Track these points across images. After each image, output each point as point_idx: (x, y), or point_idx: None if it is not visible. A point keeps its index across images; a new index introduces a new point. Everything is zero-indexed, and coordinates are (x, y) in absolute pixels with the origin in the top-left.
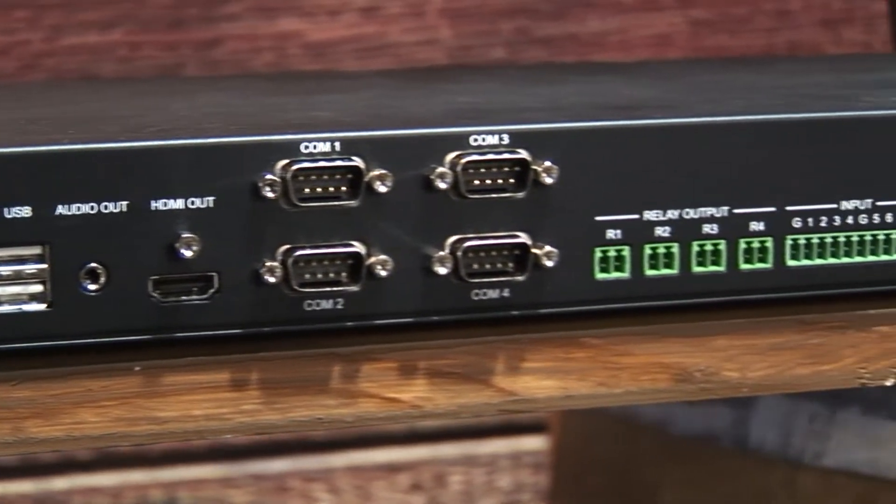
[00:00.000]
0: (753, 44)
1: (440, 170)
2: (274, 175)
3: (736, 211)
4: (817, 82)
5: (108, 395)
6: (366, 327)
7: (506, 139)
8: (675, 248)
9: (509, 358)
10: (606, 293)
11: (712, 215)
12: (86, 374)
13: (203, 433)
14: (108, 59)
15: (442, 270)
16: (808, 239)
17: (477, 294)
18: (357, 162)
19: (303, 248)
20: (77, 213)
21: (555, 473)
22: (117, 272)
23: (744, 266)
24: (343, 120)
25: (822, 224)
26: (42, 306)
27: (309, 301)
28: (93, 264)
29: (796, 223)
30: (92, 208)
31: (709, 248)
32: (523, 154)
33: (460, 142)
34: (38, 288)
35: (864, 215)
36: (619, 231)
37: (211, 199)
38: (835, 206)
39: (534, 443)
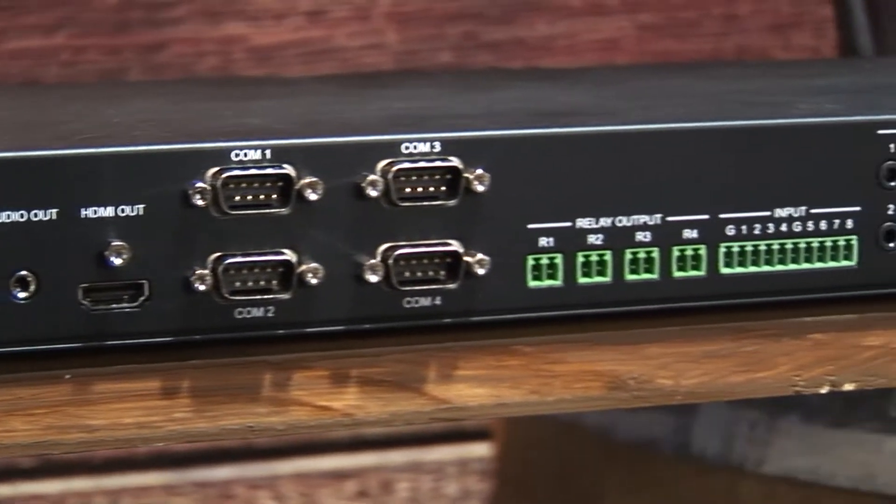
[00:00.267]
0: (702, 48)
1: (371, 177)
2: (204, 183)
3: (669, 219)
4: (757, 88)
5: (39, 403)
6: (297, 335)
7: (437, 147)
8: (608, 256)
9: (441, 366)
10: (539, 301)
11: (645, 223)
12: (16, 383)
13: (134, 441)
14: (51, 64)
15: (373, 278)
16: (741, 247)
17: (409, 302)
18: (288, 170)
19: (233, 255)
20: (6, 220)
21: (498, 480)
22: (47, 280)
23: (677, 274)
24: (275, 127)
25: (756, 232)
26: None
27: (240, 309)
28: (22, 272)
29: (730, 231)
30: (21, 216)
31: (642, 255)
32: (455, 162)
33: (392, 149)
34: None
35: (798, 223)
36: (551, 239)
37: (141, 206)
38: (769, 213)
39: (480, 450)
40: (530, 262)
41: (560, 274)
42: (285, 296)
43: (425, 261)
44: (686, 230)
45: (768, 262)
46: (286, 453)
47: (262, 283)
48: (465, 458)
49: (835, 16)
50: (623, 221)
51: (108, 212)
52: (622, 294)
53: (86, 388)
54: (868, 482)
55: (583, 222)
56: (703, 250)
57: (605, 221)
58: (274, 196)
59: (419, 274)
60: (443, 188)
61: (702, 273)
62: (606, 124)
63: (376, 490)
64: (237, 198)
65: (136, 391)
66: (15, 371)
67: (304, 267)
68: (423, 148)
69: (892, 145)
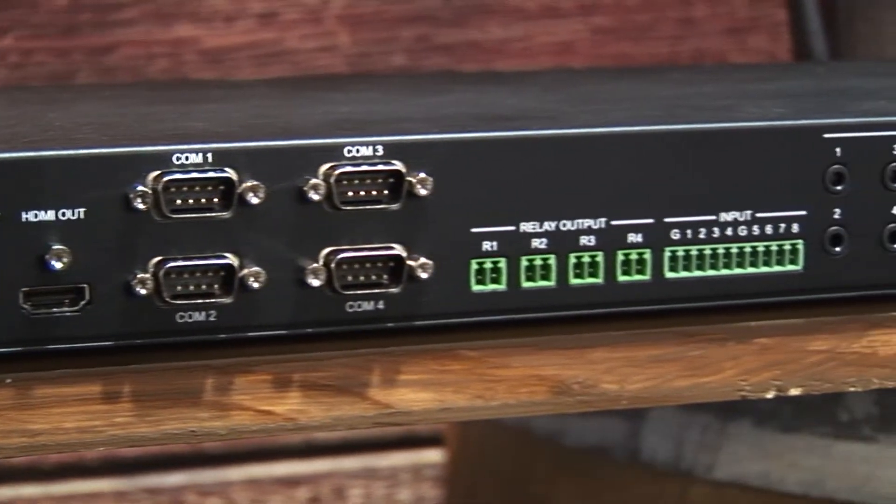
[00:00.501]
0: (657, 52)
1: (314, 181)
2: (145, 186)
3: (614, 223)
4: (705, 92)
5: None
6: (239, 339)
7: (380, 150)
8: (552, 260)
9: (384, 370)
10: (483, 305)
11: (590, 227)
12: None
13: (75, 446)
14: None
15: (316, 282)
16: (686, 251)
17: (351, 306)
18: (230, 173)
19: (174, 259)
20: None
21: (450, 487)
22: None
23: (622, 278)
24: (217, 131)
25: (702, 236)
26: None
27: (181, 313)
28: None
29: (675, 235)
30: None
31: (586, 259)
32: (398, 165)
33: (334, 153)
34: None
35: (743, 227)
36: (495, 243)
37: (82, 210)
38: (714, 217)
39: (434, 456)
40: (474, 266)
41: (504, 278)
42: (227, 300)
43: (368, 265)
44: (631, 234)
45: (714, 267)
46: (238, 459)
47: (204, 287)
48: (419, 465)
49: (789, 19)
50: (567, 225)
51: (49, 215)
52: (566, 298)
53: (27, 393)
54: (818, 487)
55: (527, 226)
56: (647, 254)
57: (549, 225)
58: (215, 200)
59: (362, 278)
60: (385, 192)
61: (647, 277)
62: (550, 128)
63: (329, 496)
64: (178, 201)
65: (77, 396)
66: None
67: (246, 271)
68: (366, 151)
69: (838, 149)
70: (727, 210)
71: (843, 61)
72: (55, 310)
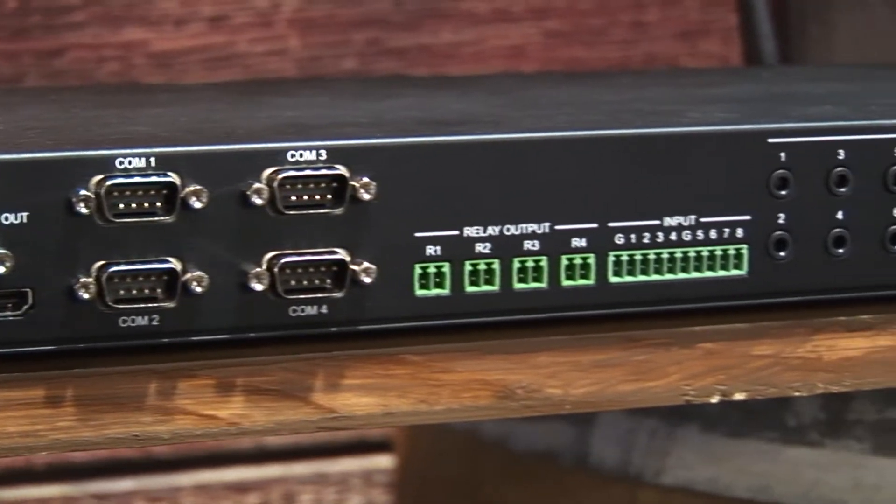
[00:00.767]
0: (609, 56)
1: (257, 185)
2: (88, 191)
3: (557, 227)
4: (651, 97)
5: None
6: (182, 344)
7: (323, 155)
8: (496, 265)
9: (328, 375)
10: (426, 310)
11: (534, 231)
12: None
13: (18, 450)
14: None
15: (259, 287)
16: (630, 255)
17: (295, 310)
18: (172, 178)
19: (117, 264)
20: None
21: (398, 492)
22: None
23: (566, 283)
24: (160, 135)
25: (646, 240)
26: None
27: (124, 317)
28: None
29: (619, 239)
30: None
31: (530, 264)
32: (341, 170)
33: (277, 157)
34: None
35: (687, 232)
36: (438, 247)
37: (24, 214)
38: (658, 222)
39: (385, 461)
40: (417, 270)
41: (448, 283)
42: (170, 304)
43: (311, 269)
44: (575, 239)
45: (658, 271)
46: (187, 465)
47: (147, 291)
48: (369, 470)
49: (740, 24)
50: (511, 230)
51: None
52: (510, 303)
53: None
54: (766, 492)
55: (470, 231)
56: (591, 259)
57: (492, 230)
58: (158, 204)
59: (305, 282)
60: (329, 196)
61: (591, 282)
62: (494, 133)
63: (279, 502)
64: (121, 206)
65: (20, 400)
66: None
67: (188, 275)
68: (309, 156)
69: (782, 154)
70: (671, 215)
71: (793, 65)
72: None
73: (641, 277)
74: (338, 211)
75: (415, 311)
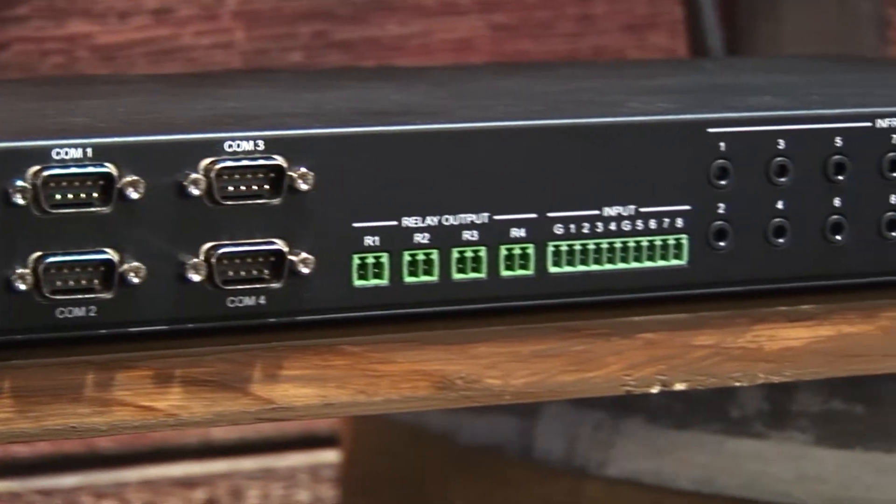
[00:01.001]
0: (557, 49)
1: (194, 176)
2: (25, 181)
3: (496, 217)
4: (592, 88)
5: None
6: (120, 335)
7: (261, 145)
8: (435, 255)
9: (266, 366)
10: (365, 300)
11: (472, 222)
12: None
13: None
14: None
15: (196, 277)
16: (570, 245)
17: (232, 301)
18: (109, 168)
19: (54, 255)
20: None
21: (345, 487)
22: None
23: (505, 273)
24: (97, 126)
25: (585, 231)
26: None
27: (61, 308)
28: None
29: (558, 230)
30: None
31: (469, 254)
32: (279, 160)
33: (214, 148)
34: None
35: (627, 222)
36: (377, 238)
37: None
38: (597, 212)
39: (332, 456)
40: (356, 261)
41: (386, 273)
42: (107, 295)
43: (249, 260)
44: (514, 229)
45: (597, 262)
46: (133, 460)
47: (84, 282)
48: (317, 465)
49: (685, 17)
50: (450, 220)
51: None
52: (449, 293)
53: None
54: (709, 484)
55: (409, 221)
56: (531, 249)
57: (431, 220)
58: (95, 195)
59: (243, 273)
60: (266, 187)
61: (530, 272)
62: (433, 123)
63: (226, 497)
64: (58, 196)
65: None
66: None
67: (126, 266)
68: (247, 146)
69: (722, 144)
70: (611, 205)
71: (738, 57)
72: None
73: (581, 267)
74: (275, 201)
75: (353, 302)
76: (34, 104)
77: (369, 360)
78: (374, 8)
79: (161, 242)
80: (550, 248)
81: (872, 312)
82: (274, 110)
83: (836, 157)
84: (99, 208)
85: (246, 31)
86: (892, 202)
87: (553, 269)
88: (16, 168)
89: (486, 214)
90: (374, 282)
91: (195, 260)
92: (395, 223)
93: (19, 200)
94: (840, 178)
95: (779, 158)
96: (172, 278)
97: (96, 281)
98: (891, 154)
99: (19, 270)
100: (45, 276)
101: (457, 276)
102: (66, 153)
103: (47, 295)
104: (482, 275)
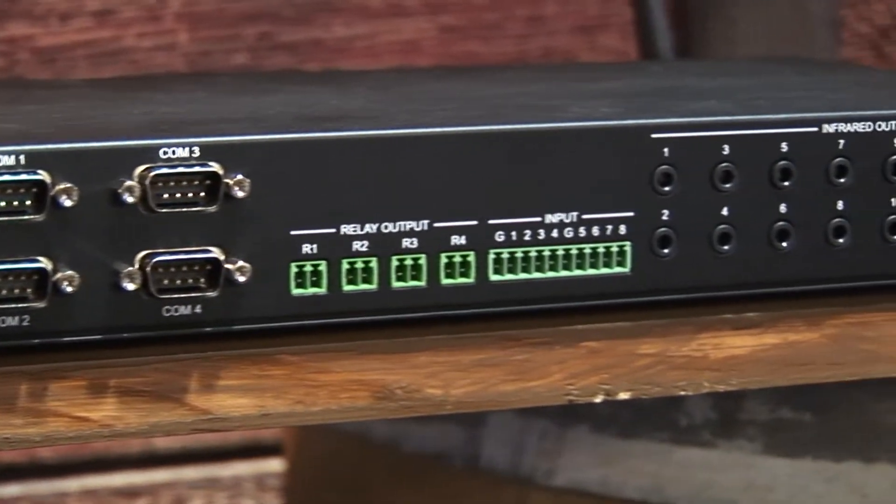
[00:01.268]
0: (506, 50)
1: (128, 183)
2: None
3: (436, 224)
4: (535, 92)
5: None
6: (53, 345)
7: (196, 152)
8: (374, 263)
9: (203, 375)
10: (303, 309)
11: (412, 229)
12: None
13: None
14: None
15: (131, 286)
16: (511, 253)
17: (168, 310)
18: (42, 175)
19: None
20: None
21: (289, 496)
22: None
23: (445, 281)
24: (31, 132)
25: (526, 238)
26: None
27: None
28: None
29: (499, 237)
30: None
31: (409, 262)
32: (214, 167)
33: (149, 154)
34: None
35: (569, 229)
36: (314, 245)
37: None
38: (539, 219)
39: (277, 465)
40: (293, 269)
41: (324, 281)
42: (40, 304)
43: (185, 268)
44: (454, 236)
45: (539, 269)
46: (74, 470)
47: (17, 291)
48: (262, 474)
49: (634, 18)
50: (389, 228)
51: None
52: (389, 302)
53: None
54: (657, 493)
55: (347, 228)
56: (471, 257)
57: (370, 227)
58: (28, 202)
59: (178, 282)
60: (202, 194)
61: (470, 280)
62: (371, 129)
63: None
64: None
65: None
66: None
67: (59, 275)
68: (182, 153)
69: (666, 149)
70: (552, 211)
71: (686, 60)
72: None
73: (522, 275)
74: (211, 209)
75: (291, 311)
76: None
77: (307, 370)
78: (320, 9)
79: (95, 251)
80: (491, 256)
81: (818, 320)
82: (211, 116)
83: (782, 162)
84: (32, 216)
85: (189, 33)
86: (839, 208)
87: (494, 277)
88: None
89: (425, 222)
90: (312, 290)
91: (130, 268)
92: (333, 231)
93: None
94: (786, 184)
95: (724, 164)
96: (107, 287)
97: (29, 290)
98: (837, 159)
99: None
100: None
101: (396, 284)
102: None
103: None
104: (422, 283)
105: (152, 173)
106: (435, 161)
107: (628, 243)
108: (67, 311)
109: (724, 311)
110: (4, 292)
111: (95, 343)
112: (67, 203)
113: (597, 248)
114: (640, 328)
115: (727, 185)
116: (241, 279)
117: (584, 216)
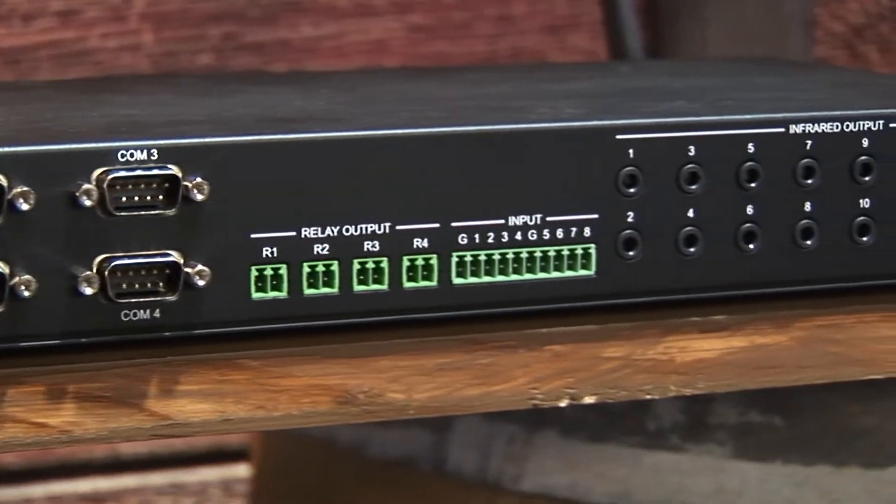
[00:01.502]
0: (475, 50)
1: (86, 186)
2: None
3: (398, 227)
4: (500, 93)
5: None
6: (11, 350)
7: (155, 154)
8: (336, 267)
9: (162, 381)
10: (264, 313)
11: (374, 232)
12: None
13: None
14: None
15: (89, 291)
16: (474, 256)
17: (126, 315)
18: None
19: None
20: None
21: (255, 501)
22: None
23: (408, 284)
24: None
25: (490, 240)
26: None
27: None
28: None
29: (462, 240)
30: None
31: (370, 266)
32: (173, 170)
33: (107, 157)
34: None
35: (533, 231)
36: (275, 249)
37: None
38: (502, 221)
39: (244, 470)
40: (254, 273)
41: (285, 285)
42: None
43: (143, 272)
44: (416, 239)
45: (503, 272)
46: (39, 476)
47: None
48: (228, 479)
49: (604, 18)
50: (350, 230)
51: None
52: (351, 305)
53: None
54: (626, 498)
55: (308, 231)
56: (434, 260)
57: (331, 230)
58: None
59: (137, 286)
60: (161, 197)
61: (433, 283)
62: (331, 130)
63: None
64: None
65: None
66: None
67: (17, 279)
68: (140, 156)
69: (631, 151)
70: (516, 214)
71: (656, 60)
72: None
73: (486, 278)
74: (170, 212)
75: (251, 315)
76: None
77: (268, 375)
78: (286, 9)
79: (53, 255)
80: (454, 259)
81: (786, 323)
82: (171, 118)
83: (749, 163)
84: None
85: (154, 33)
86: (807, 210)
87: (457, 280)
88: None
89: (387, 224)
90: (272, 294)
91: (88, 273)
92: (293, 234)
93: None
94: (753, 185)
95: (690, 165)
96: (65, 291)
97: None
98: (805, 160)
99: None
100: None
101: (358, 287)
102: None
103: None
104: (384, 286)
105: (110, 176)
106: (397, 163)
107: (593, 245)
108: (25, 316)
109: (691, 314)
110: None
111: (53, 348)
112: (24, 207)
113: (561, 250)
114: (605, 331)
115: (693, 187)
116: (201, 283)
117: (549, 218)
